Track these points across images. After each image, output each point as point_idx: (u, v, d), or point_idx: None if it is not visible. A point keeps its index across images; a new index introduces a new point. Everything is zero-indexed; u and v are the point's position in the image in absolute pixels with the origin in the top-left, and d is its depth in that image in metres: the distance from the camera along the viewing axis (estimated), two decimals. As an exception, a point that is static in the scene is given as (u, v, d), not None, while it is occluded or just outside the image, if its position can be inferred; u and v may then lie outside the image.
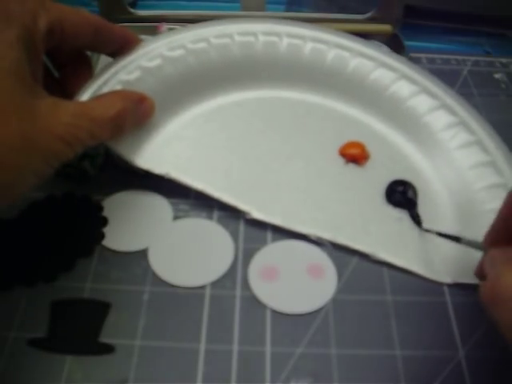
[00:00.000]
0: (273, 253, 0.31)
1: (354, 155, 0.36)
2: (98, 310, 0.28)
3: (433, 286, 0.30)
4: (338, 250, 0.31)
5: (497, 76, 0.45)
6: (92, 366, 0.26)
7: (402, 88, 0.38)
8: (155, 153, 0.34)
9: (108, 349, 0.27)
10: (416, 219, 0.33)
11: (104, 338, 0.27)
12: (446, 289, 0.30)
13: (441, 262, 0.31)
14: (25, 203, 0.32)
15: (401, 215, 0.33)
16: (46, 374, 0.26)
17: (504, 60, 0.47)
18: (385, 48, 0.43)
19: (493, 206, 0.32)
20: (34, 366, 0.26)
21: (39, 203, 0.32)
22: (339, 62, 0.39)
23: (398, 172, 0.35)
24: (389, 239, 0.32)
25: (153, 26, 0.45)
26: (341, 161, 0.36)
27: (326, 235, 0.32)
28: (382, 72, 0.38)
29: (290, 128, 0.37)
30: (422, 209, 0.33)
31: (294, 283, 0.29)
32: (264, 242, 0.32)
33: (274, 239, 0.32)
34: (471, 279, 0.29)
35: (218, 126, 0.37)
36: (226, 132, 0.36)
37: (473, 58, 0.47)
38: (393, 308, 0.29)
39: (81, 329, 0.28)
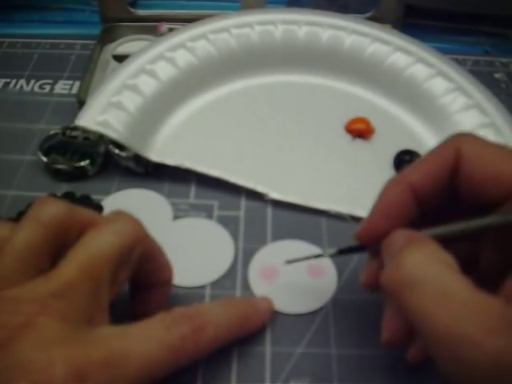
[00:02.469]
0: (273, 253, 0.31)
1: (361, 130, 0.37)
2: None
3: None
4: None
5: (497, 76, 0.45)
6: (92, 366, 0.26)
7: (399, 60, 0.39)
8: (166, 145, 0.35)
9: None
10: None
11: (104, 338, 0.27)
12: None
13: None
14: (25, 203, 0.32)
15: None
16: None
17: (504, 60, 0.47)
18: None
19: None
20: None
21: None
22: (335, 41, 0.40)
23: (403, 143, 0.37)
24: None
25: (152, 26, 0.45)
26: (348, 137, 0.37)
27: (344, 209, 0.33)
28: (377, 46, 0.40)
29: (296, 110, 0.39)
30: None
31: (294, 283, 0.29)
32: (264, 242, 0.32)
33: (274, 239, 0.32)
34: None
35: (224, 114, 0.38)
36: (234, 119, 0.38)
37: (473, 58, 0.47)
38: (393, 308, 0.29)
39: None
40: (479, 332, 0.17)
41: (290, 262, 0.28)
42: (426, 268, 0.20)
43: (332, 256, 0.27)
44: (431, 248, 0.21)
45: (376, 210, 0.24)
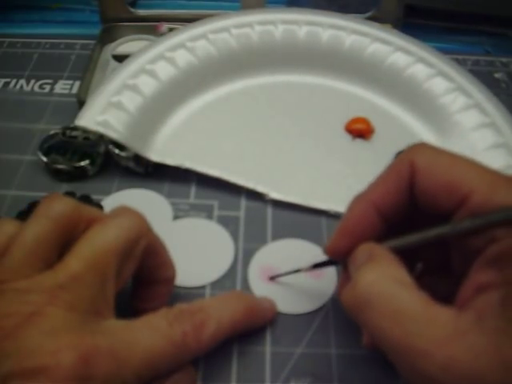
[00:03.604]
0: (273, 253, 0.31)
1: (361, 130, 0.37)
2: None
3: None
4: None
5: (497, 75, 0.45)
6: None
7: (399, 60, 0.39)
8: (166, 145, 0.35)
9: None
10: None
11: (104, 338, 0.27)
12: (446, 289, 0.30)
13: None
14: (25, 203, 0.32)
15: None
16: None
17: (504, 59, 0.47)
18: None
19: (495, 166, 0.34)
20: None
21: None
22: (335, 41, 0.40)
23: (403, 143, 0.36)
24: None
25: (152, 26, 0.45)
26: (348, 137, 0.37)
27: (344, 209, 0.32)
28: (377, 46, 0.40)
29: (296, 110, 0.39)
30: None
31: (294, 283, 0.29)
32: (264, 242, 0.32)
33: (274, 239, 0.32)
34: None
35: (224, 114, 0.38)
36: (234, 119, 0.38)
37: (473, 58, 0.47)
38: (393, 308, 0.29)
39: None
40: (430, 345, 0.18)
41: (273, 277, 0.29)
42: (380, 287, 0.20)
43: (307, 270, 0.27)
44: (386, 266, 0.21)
45: (341, 228, 0.24)
